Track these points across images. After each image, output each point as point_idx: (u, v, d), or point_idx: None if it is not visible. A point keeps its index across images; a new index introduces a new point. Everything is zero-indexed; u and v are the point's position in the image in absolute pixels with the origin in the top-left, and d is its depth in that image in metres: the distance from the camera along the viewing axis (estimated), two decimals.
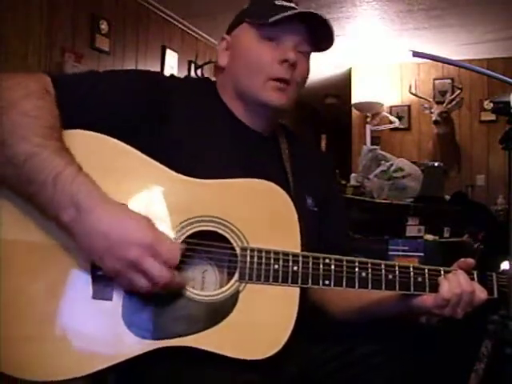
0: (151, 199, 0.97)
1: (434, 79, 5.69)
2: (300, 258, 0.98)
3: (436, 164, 3.35)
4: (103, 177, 0.94)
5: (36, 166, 0.87)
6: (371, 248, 2.65)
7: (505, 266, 1.08)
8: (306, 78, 1.18)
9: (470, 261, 1.06)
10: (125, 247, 0.85)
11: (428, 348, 1.06)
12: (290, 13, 1.09)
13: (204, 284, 0.99)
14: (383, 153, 3.33)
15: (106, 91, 1.04)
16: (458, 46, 5.19)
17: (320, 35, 1.14)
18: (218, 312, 0.93)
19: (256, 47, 1.12)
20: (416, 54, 1.01)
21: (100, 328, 0.90)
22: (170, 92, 1.10)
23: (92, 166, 0.94)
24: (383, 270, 1.00)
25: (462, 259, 1.07)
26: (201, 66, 4.74)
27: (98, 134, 0.98)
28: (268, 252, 0.97)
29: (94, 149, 0.98)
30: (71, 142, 0.95)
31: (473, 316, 1.03)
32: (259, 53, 1.12)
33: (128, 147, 0.99)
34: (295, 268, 0.97)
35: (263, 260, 0.96)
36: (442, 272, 1.04)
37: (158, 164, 0.99)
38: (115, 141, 0.98)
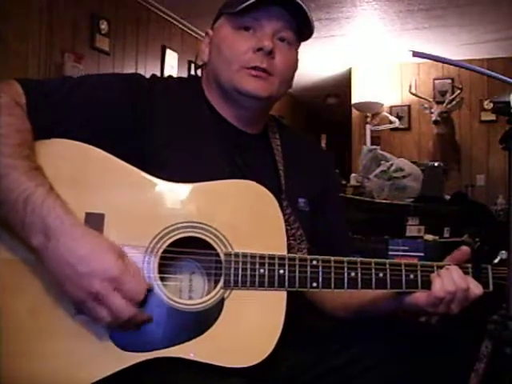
0: (131, 207, 0.94)
1: (434, 79, 5.70)
2: (286, 261, 0.95)
3: (436, 164, 3.35)
4: (81, 186, 0.93)
5: (6, 188, 0.85)
6: (371, 248, 2.65)
7: (502, 255, 1.06)
8: (291, 67, 1.12)
9: (465, 249, 1.03)
10: (87, 279, 0.83)
11: (427, 348, 1.05)
12: None
13: (191, 290, 0.97)
14: (383, 153, 3.33)
15: (85, 97, 1.01)
16: (458, 46, 5.19)
17: (302, 22, 1.09)
18: (203, 321, 0.91)
19: (231, 38, 1.08)
20: (416, 54, 1.01)
21: (85, 343, 0.89)
22: (152, 95, 1.07)
23: (69, 175, 0.92)
24: (373, 269, 0.98)
25: (456, 251, 1.03)
26: (201, 66, 4.73)
27: (77, 142, 0.95)
28: (253, 256, 0.94)
29: (71, 157, 0.95)
30: (49, 151, 0.93)
31: (472, 315, 1.01)
32: (233, 43, 1.08)
33: (107, 154, 0.96)
34: (281, 271, 0.94)
35: (248, 265, 0.93)
36: (435, 268, 1.00)
37: (138, 170, 0.96)
38: (94, 148, 0.95)
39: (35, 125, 0.94)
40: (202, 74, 1.20)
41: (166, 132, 1.05)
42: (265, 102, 1.11)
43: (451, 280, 0.98)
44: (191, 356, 0.90)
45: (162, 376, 0.90)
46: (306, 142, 1.30)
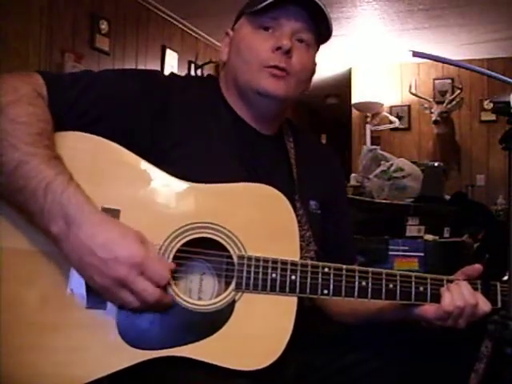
0: (147, 205, 0.94)
1: (434, 79, 5.70)
2: (298, 267, 0.95)
3: (436, 164, 3.34)
4: (97, 180, 0.92)
5: (26, 175, 0.85)
6: (371, 248, 2.64)
7: None
8: (309, 69, 1.13)
9: (478, 267, 1.03)
10: (113, 265, 0.84)
11: (427, 348, 1.05)
12: None
13: (201, 291, 0.97)
14: (383, 153, 3.33)
15: (102, 93, 1.01)
16: (458, 46, 5.20)
17: (321, 23, 1.10)
18: (213, 322, 0.91)
19: (250, 37, 1.09)
20: (416, 54, 1.00)
21: (94, 338, 0.89)
22: (169, 92, 1.07)
23: (85, 169, 0.92)
24: (384, 280, 0.98)
25: (469, 266, 1.03)
26: (201, 66, 4.74)
27: (93, 136, 0.95)
28: (266, 260, 0.94)
29: (87, 151, 0.95)
30: (65, 143, 0.93)
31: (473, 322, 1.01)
32: (253, 42, 1.08)
33: (124, 150, 0.96)
34: (293, 277, 0.94)
35: (261, 269, 0.94)
36: (445, 282, 1.00)
37: (154, 168, 0.97)
38: (110, 143, 0.96)
39: (54, 116, 0.94)
40: (219, 73, 1.20)
41: (181, 131, 1.05)
42: (281, 103, 1.11)
43: (461, 295, 0.98)
44: (200, 357, 0.89)
45: (168, 375, 0.90)
46: (317, 144, 1.32)
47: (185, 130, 1.06)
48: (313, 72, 1.16)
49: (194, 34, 4.90)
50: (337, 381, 1.05)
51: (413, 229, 2.77)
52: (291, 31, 1.07)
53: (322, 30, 1.11)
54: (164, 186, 0.96)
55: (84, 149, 0.96)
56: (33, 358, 0.88)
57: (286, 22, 1.07)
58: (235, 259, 0.94)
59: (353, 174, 3.62)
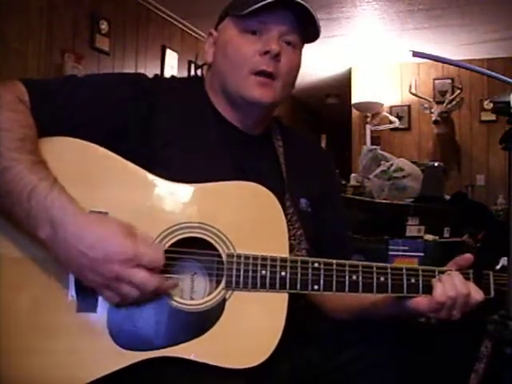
0: (134, 207, 0.95)
1: (434, 79, 5.70)
2: (288, 263, 0.95)
3: (436, 164, 3.35)
4: (84, 184, 0.93)
5: (10, 181, 0.86)
6: (371, 248, 2.65)
7: (504, 262, 1.06)
8: (295, 71, 1.12)
9: (468, 256, 1.03)
10: (105, 264, 0.85)
11: (427, 348, 1.05)
12: (264, 2, 1.03)
13: (193, 291, 0.97)
14: (383, 153, 3.33)
15: (90, 96, 1.02)
16: (457, 46, 5.19)
17: (307, 24, 1.09)
18: (204, 321, 0.92)
19: (237, 40, 1.08)
20: (416, 54, 1.01)
21: (86, 341, 0.89)
22: (157, 94, 1.07)
23: (72, 173, 0.93)
24: (375, 273, 0.98)
25: (460, 256, 1.03)
26: (201, 66, 4.73)
27: (79, 140, 0.96)
28: (255, 258, 0.94)
29: (74, 155, 0.96)
30: (51, 149, 0.94)
31: (472, 316, 1.02)
32: (240, 46, 1.07)
33: (110, 153, 0.96)
34: (283, 273, 0.94)
35: (250, 266, 0.94)
36: (437, 273, 1.01)
37: (141, 170, 0.97)
38: (96, 146, 0.96)
39: (37, 122, 0.95)
40: (205, 74, 1.19)
41: (168, 132, 1.05)
42: (268, 108, 1.12)
43: (452, 285, 0.98)
44: (192, 357, 0.90)
45: (161, 376, 0.90)
46: (307, 143, 1.30)
47: (173, 130, 1.06)
48: (298, 71, 1.15)
49: (194, 33, 4.90)
50: (333, 378, 1.05)
51: (413, 229, 2.78)
52: (278, 34, 1.07)
53: (309, 31, 1.11)
54: (152, 187, 0.97)
55: (70, 153, 0.96)
56: (32, 360, 0.88)
57: (273, 25, 1.07)
58: (224, 257, 0.94)
59: (353, 174, 3.62)
